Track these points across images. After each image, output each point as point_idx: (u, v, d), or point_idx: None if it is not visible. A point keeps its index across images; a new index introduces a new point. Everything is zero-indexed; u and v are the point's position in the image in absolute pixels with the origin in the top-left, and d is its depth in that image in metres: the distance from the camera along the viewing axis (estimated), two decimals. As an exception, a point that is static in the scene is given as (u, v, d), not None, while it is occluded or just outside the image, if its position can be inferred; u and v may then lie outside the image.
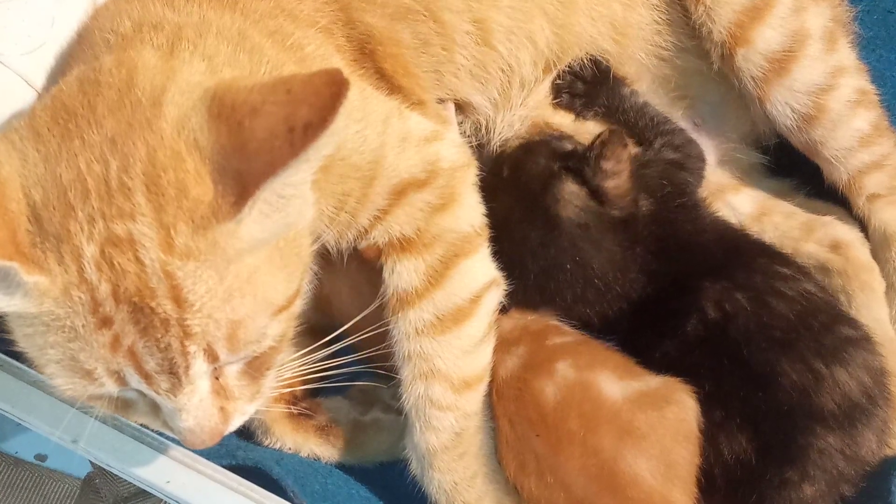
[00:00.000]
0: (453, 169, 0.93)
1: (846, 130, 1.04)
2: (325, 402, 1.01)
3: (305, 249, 0.74)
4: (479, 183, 0.96)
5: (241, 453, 0.93)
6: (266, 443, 1.01)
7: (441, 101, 1.05)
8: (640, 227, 1.01)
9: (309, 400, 1.01)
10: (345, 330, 0.89)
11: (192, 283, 0.64)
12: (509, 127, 1.11)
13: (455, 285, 0.90)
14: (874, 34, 1.21)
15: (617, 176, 1.00)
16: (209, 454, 0.88)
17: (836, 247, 1.09)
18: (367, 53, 0.95)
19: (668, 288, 0.98)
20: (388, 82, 0.97)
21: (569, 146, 1.07)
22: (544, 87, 1.12)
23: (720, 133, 1.15)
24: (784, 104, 1.03)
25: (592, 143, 1.01)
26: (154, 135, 0.65)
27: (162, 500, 0.86)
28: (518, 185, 1.02)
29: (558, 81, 1.11)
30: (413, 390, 0.89)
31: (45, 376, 0.69)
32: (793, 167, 1.16)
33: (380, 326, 0.90)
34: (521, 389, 0.91)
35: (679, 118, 1.13)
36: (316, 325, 0.91)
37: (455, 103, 1.07)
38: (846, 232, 1.10)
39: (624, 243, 1.00)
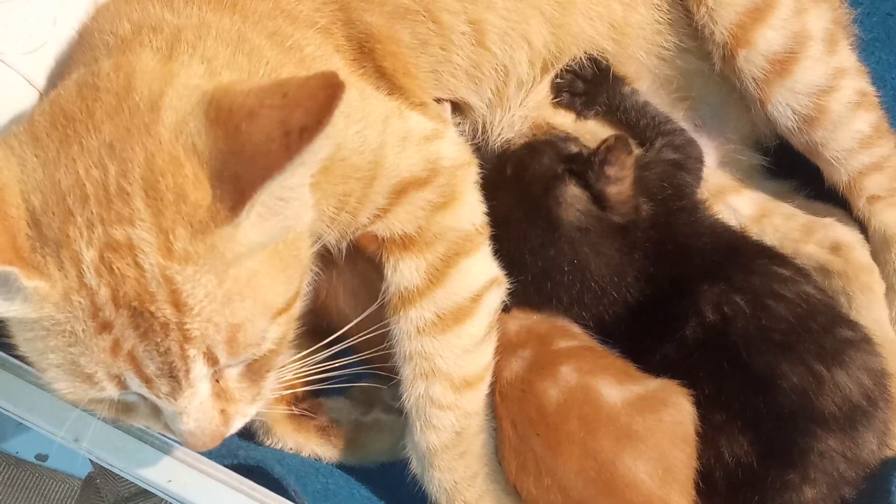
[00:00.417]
0: (454, 167, 0.93)
1: (847, 132, 1.05)
2: (327, 402, 1.01)
3: (305, 252, 0.75)
4: (480, 181, 0.96)
5: (243, 453, 0.93)
6: (268, 443, 1.01)
7: (438, 100, 1.05)
8: (639, 233, 1.01)
9: (310, 400, 1.01)
10: (344, 332, 0.88)
11: (191, 288, 0.64)
12: (510, 127, 1.11)
13: (456, 284, 0.90)
14: (874, 37, 1.21)
15: (620, 182, 1.00)
16: (211, 453, 0.88)
17: (836, 248, 1.09)
18: (367, 52, 0.95)
19: (666, 291, 0.98)
20: (389, 81, 0.97)
21: (574, 148, 1.07)
22: (544, 87, 1.12)
23: (721, 134, 1.15)
24: (785, 105, 1.03)
25: (598, 147, 1.01)
26: (152, 139, 0.65)
27: (163, 499, 0.86)
28: (520, 185, 1.02)
29: (558, 80, 1.12)
30: (413, 389, 0.89)
31: (47, 380, 0.69)
32: (793, 169, 1.16)
33: (379, 328, 0.90)
34: (525, 391, 0.91)
35: (680, 119, 1.13)
36: (317, 327, 0.90)
37: (452, 103, 1.07)
38: (846, 234, 1.11)
39: (623, 249, 1.00)
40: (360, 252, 0.93)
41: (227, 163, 0.64)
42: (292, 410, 1.01)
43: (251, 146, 0.63)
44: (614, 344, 1.00)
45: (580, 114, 1.13)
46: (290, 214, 0.69)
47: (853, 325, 0.95)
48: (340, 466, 1.01)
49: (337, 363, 0.84)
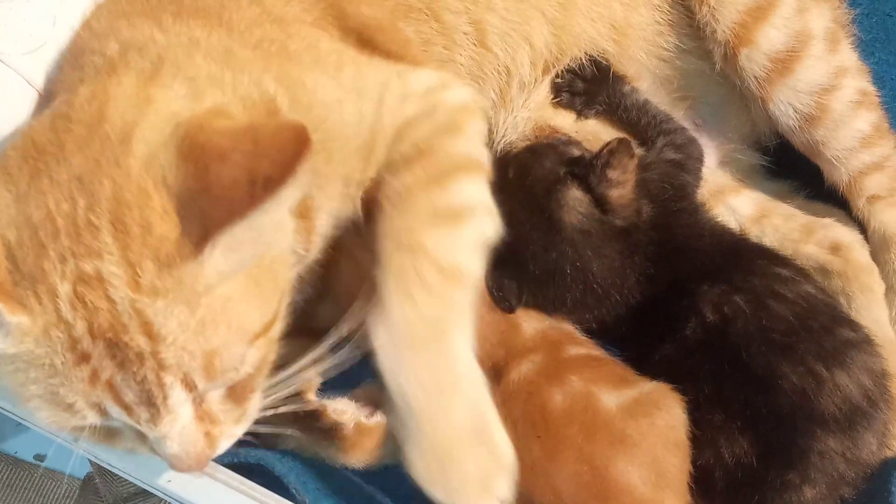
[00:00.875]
0: (457, 108, 0.89)
1: (848, 131, 1.05)
2: (330, 403, 1.00)
3: (283, 275, 0.74)
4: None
5: (243, 451, 0.93)
6: (270, 445, 1.00)
7: None
8: (640, 235, 1.01)
9: (313, 401, 1.01)
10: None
11: (162, 319, 0.64)
12: (513, 129, 1.11)
13: (455, 189, 0.82)
14: (873, 37, 1.21)
15: (622, 185, 1.00)
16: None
17: (835, 249, 1.09)
18: (366, 41, 0.95)
19: (666, 292, 0.98)
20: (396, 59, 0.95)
21: (576, 152, 1.07)
22: (545, 88, 1.12)
23: (721, 134, 1.15)
24: (787, 104, 1.03)
25: (600, 150, 1.01)
26: (121, 172, 0.65)
27: (163, 499, 0.86)
28: (522, 187, 1.02)
29: (558, 80, 1.11)
30: (395, 259, 0.77)
31: (29, 410, 0.69)
32: (793, 169, 1.16)
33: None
34: (532, 393, 0.91)
35: (680, 118, 1.13)
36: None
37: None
38: (846, 234, 1.11)
39: (624, 252, 1.00)
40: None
41: (195, 199, 0.64)
42: (296, 412, 1.00)
43: (218, 188, 0.63)
44: (615, 345, 1.00)
45: (580, 113, 1.13)
46: (264, 242, 0.69)
47: (854, 326, 0.95)
48: (342, 467, 1.01)
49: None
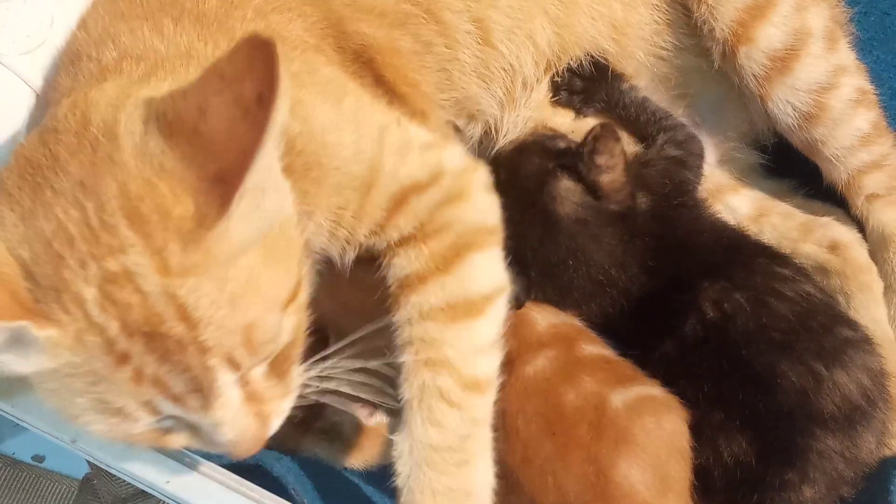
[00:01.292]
0: (461, 171, 0.89)
1: (847, 129, 1.05)
2: (330, 405, 1.00)
3: (295, 240, 0.73)
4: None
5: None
6: (271, 444, 1.00)
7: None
8: (638, 220, 1.01)
9: (313, 403, 1.01)
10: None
11: (195, 299, 0.63)
12: (514, 127, 1.11)
13: (467, 275, 0.83)
14: (871, 36, 1.22)
15: (611, 170, 1.01)
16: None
17: (834, 247, 1.09)
18: (365, 62, 0.95)
19: (667, 287, 0.98)
20: (389, 90, 0.96)
21: (562, 144, 1.07)
22: (544, 86, 1.12)
23: (720, 132, 1.15)
24: (786, 102, 1.03)
25: (585, 138, 1.01)
26: (119, 168, 0.65)
27: (161, 500, 0.86)
28: (515, 187, 1.02)
29: (556, 79, 1.11)
30: (416, 378, 0.80)
31: (81, 426, 0.68)
32: (791, 168, 1.16)
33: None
34: (548, 391, 0.91)
35: (679, 116, 1.13)
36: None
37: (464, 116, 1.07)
38: (844, 233, 1.11)
39: (623, 237, 1.00)
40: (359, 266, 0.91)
41: (201, 166, 0.63)
42: (297, 413, 1.00)
43: (219, 140, 0.62)
44: (618, 342, 1.00)
45: (579, 111, 1.13)
46: (269, 207, 0.68)
47: (853, 325, 0.96)
48: (341, 467, 1.01)
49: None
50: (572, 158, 1.02)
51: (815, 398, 0.88)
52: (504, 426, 0.89)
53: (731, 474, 0.89)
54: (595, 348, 0.97)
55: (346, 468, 1.02)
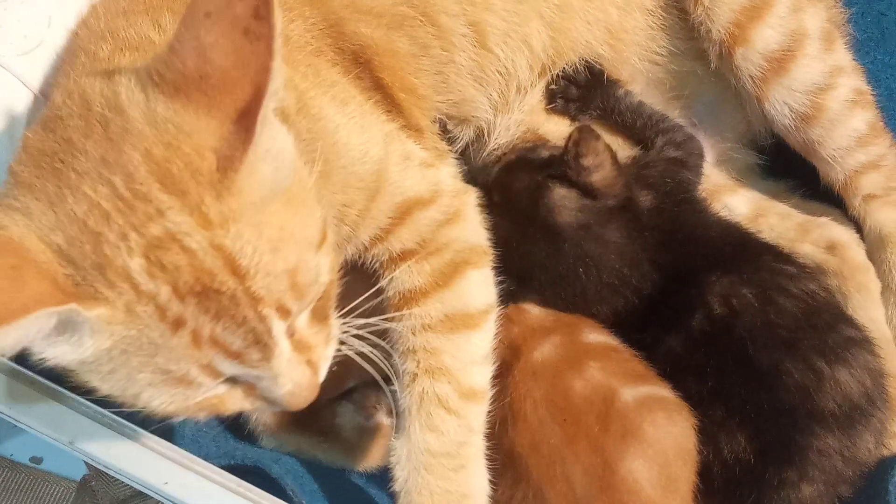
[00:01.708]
0: (456, 192, 0.93)
1: (844, 130, 1.05)
2: (329, 406, 1.00)
3: (308, 181, 0.73)
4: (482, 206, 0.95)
5: (240, 453, 0.93)
6: (271, 446, 1.00)
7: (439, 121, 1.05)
8: (642, 215, 1.01)
9: (313, 404, 1.01)
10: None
11: (240, 247, 0.64)
12: (506, 131, 1.11)
13: (464, 290, 0.88)
14: (868, 36, 1.22)
15: (600, 168, 1.01)
16: (208, 454, 0.88)
17: (831, 248, 1.10)
18: (363, 63, 0.95)
19: (674, 282, 0.98)
20: (387, 97, 0.97)
21: (545, 153, 1.07)
22: (538, 92, 1.12)
23: (716, 133, 1.15)
24: (783, 104, 1.04)
25: (566, 145, 1.02)
26: (136, 138, 0.64)
27: (159, 501, 0.86)
28: (510, 207, 1.02)
29: (552, 87, 1.11)
30: (416, 385, 0.85)
31: (143, 405, 0.68)
32: (788, 169, 1.16)
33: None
34: (556, 376, 0.91)
35: (676, 118, 1.13)
36: None
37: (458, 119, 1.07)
38: (842, 233, 1.11)
39: (629, 229, 1.01)
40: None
41: (222, 110, 0.63)
42: (297, 415, 1.00)
43: (230, 75, 0.62)
44: (624, 338, 1.00)
45: (574, 119, 1.13)
46: (278, 147, 0.68)
47: (855, 325, 0.96)
48: (341, 468, 1.01)
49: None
50: (559, 166, 1.02)
51: (816, 396, 0.88)
52: (511, 411, 0.91)
53: (731, 472, 0.89)
54: (599, 336, 0.98)
55: (345, 470, 1.02)
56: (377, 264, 0.90)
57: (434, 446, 0.83)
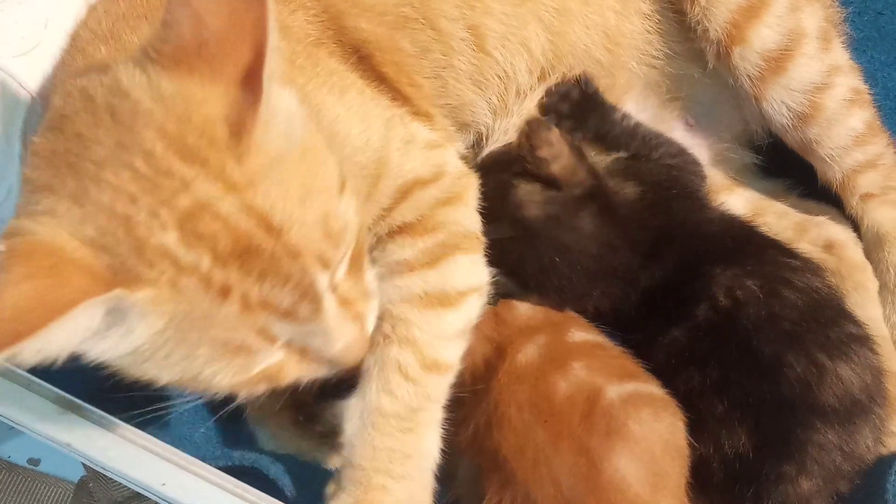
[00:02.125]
0: (459, 174, 0.93)
1: (841, 129, 1.05)
2: (328, 408, 1.00)
3: (313, 129, 0.73)
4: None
5: (237, 455, 0.93)
6: (270, 447, 1.00)
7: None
8: (617, 200, 1.02)
9: (313, 406, 1.01)
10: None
11: (271, 204, 0.64)
12: (504, 135, 1.11)
13: (448, 272, 0.89)
14: (865, 35, 1.22)
15: (558, 157, 1.01)
16: (206, 455, 0.88)
17: (829, 247, 1.10)
18: (364, 58, 0.95)
19: (677, 275, 0.99)
20: (393, 89, 0.97)
21: (513, 153, 1.07)
22: (537, 95, 1.11)
23: (714, 133, 1.15)
24: (780, 103, 1.04)
25: (520, 140, 1.03)
26: (148, 118, 0.64)
27: (157, 503, 0.86)
28: (487, 208, 1.01)
29: (546, 100, 1.10)
30: (383, 350, 0.86)
31: (205, 385, 0.68)
32: (786, 168, 1.16)
33: None
34: (538, 379, 0.91)
35: (673, 119, 1.13)
36: None
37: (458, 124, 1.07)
38: (839, 232, 1.11)
39: (604, 215, 1.01)
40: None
41: (226, 74, 0.64)
42: (297, 417, 1.01)
43: (229, 37, 0.63)
44: (624, 330, 1.00)
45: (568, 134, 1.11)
46: (285, 103, 0.68)
47: (857, 322, 0.96)
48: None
49: None
50: (520, 163, 1.03)
51: (817, 390, 0.88)
52: (496, 415, 0.90)
53: (731, 467, 0.89)
54: (587, 335, 0.98)
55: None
56: (375, 240, 0.90)
57: (386, 407, 0.85)
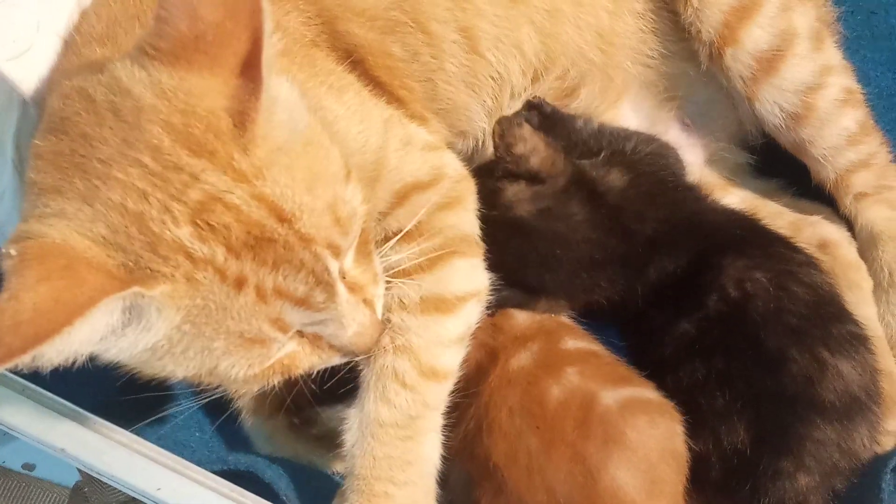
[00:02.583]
0: (458, 178, 0.94)
1: (834, 129, 1.05)
2: (325, 411, 1.00)
3: (314, 119, 0.73)
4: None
5: (233, 458, 0.93)
6: (266, 450, 1.00)
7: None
8: (602, 185, 1.02)
9: (309, 410, 1.01)
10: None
11: (280, 192, 0.64)
12: None
13: (445, 277, 0.89)
14: (858, 35, 1.22)
15: (535, 152, 1.02)
16: (201, 459, 0.87)
17: (823, 246, 1.10)
18: (357, 62, 0.95)
19: (688, 265, 0.99)
20: (387, 93, 0.97)
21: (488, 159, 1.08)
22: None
23: (709, 133, 1.16)
24: (773, 103, 1.04)
25: (494, 141, 1.03)
26: (152, 113, 0.65)
27: (152, 508, 0.86)
28: (486, 219, 1.02)
29: (521, 111, 1.09)
30: (379, 358, 0.85)
31: (222, 378, 0.69)
32: (779, 167, 1.16)
33: None
34: (531, 383, 0.91)
35: (669, 119, 1.14)
36: None
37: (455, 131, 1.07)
38: (833, 231, 1.11)
39: (591, 201, 1.01)
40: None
41: (224, 65, 0.64)
42: (293, 420, 1.00)
43: (225, 27, 0.63)
44: (633, 325, 1.01)
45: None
46: (285, 92, 0.69)
47: (856, 321, 0.97)
48: (335, 473, 1.01)
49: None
50: (501, 164, 1.03)
51: (818, 386, 0.89)
52: (486, 420, 0.90)
53: (729, 463, 0.90)
54: (581, 343, 0.98)
55: (339, 474, 1.01)
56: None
57: (384, 417, 0.84)
